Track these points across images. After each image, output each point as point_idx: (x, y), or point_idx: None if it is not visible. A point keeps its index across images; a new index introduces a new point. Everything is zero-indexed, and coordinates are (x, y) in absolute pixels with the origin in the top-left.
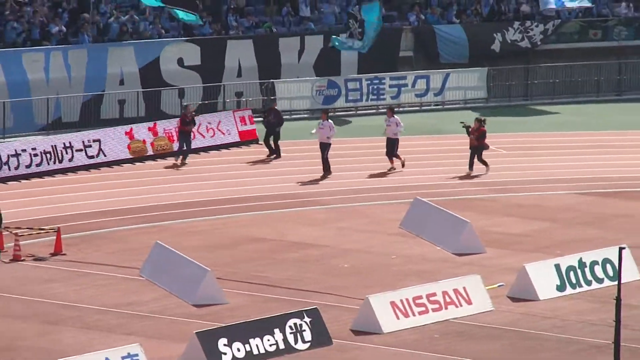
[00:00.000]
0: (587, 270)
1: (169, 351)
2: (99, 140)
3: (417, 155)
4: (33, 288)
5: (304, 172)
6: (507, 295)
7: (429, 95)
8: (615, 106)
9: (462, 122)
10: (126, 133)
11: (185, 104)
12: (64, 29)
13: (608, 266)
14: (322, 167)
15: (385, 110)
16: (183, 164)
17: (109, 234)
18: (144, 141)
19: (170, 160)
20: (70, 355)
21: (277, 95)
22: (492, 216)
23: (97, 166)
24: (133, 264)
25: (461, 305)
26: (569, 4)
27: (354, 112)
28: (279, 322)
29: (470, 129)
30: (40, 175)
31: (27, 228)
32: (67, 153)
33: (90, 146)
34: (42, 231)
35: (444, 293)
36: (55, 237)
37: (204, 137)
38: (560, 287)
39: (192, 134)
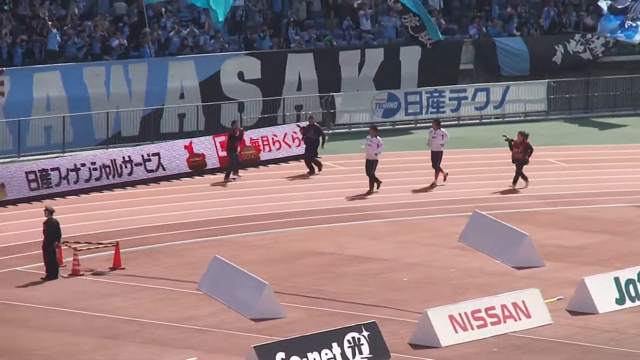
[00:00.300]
0: None
1: None
2: (158, 154)
3: (475, 168)
4: (92, 302)
5: (364, 185)
6: (566, 309)
7: (489, 108)
8: None
9: (504, 136)
10: (185, 147)
11: (232, 120)
12: (125, 42)
13: None
14: (368, 183)
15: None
16: (229, 180)
17: (168, 248)
18: (203, 155)
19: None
20: None
21: (337, 108)
22: (550, 229)
23: (156, 180)
24: (191, 278)
25: (520, 319)
26: (620, 37)
27: (413, 125)
28: (337, 336)
29: (513, 143)
30: (99, 189)
31: (86, 242)
32: (126, 167)
33: (149, 160)
34: (100, 246)
35: (503, 307)
36: (114, 252)
37: (270, 150)
38: (620, 301)
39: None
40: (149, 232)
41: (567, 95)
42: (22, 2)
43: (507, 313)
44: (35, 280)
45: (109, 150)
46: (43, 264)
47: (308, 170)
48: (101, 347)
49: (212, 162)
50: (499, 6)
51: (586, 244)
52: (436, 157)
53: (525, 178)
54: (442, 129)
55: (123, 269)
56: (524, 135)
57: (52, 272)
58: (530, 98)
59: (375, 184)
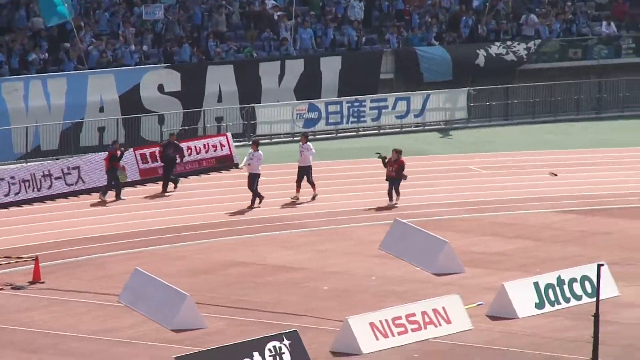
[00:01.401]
0: (565, 287)
1: None
2: (78, 168)
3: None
4: (11, 317)
5: (285, 195)
6: (486, 314)
7: (410, 116)
8: (595, 124)
9: (377, 153)
10: (105, 160)
11: (113, 140)
12: (46, 55)
13: (587, 283)
14: (251, 198)
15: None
16: (118, 199)
17: (88, 261)
18: (123, 167)
19: (150, 187)
20: None
21: (257, 119)
22: (471, 236)
23: (76, 194)
24: (112, 291)
25: (440, 325)
26: None
27: (334, 134)
28: (259, 345)
29: (387, 160)
30: (18, 203)
31: (5, 257)
32: (45, 181)
33: (69, 174)
34: (20, 260)
35: (423, 313)
36: (33, 265)
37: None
38: (539, 305)
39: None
40: (69, 245)
41: (487, 103)
42: None
43: (427, 319)
44: None
45: (28, 164)
46: None
47: (162, 189)
48: None
49: (132, 174)
50: (419, 16)
51: (506, 250)
52: (304, 172)
53: (398, 194)
54: (309, 144)
55: (43, 282)
56: (398, 153)
57: None
58: (450, 106)
59: (258, 199)
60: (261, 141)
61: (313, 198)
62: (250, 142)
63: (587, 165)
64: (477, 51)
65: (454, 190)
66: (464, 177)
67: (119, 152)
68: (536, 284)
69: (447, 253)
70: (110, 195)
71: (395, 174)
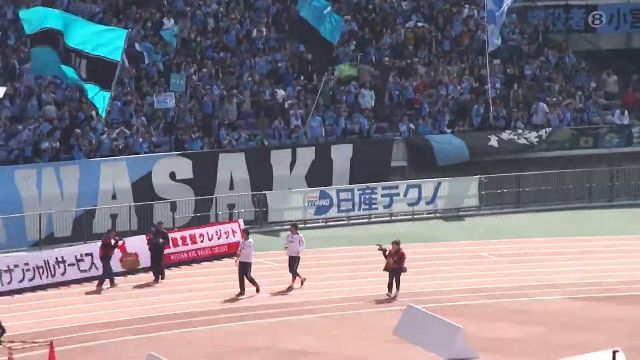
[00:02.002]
0: None
1: None
2: (91, 254)
3: (410, 262)
4: None
5: (298, 281)
6: None
7: (421, 203)
8: (608, 212)
9: (378, 245)
10: (118, 247)
11: (109, 229)
12: (57, 144)
13: None
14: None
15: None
16: (101, 289)
17: (103, 346)
18: (136, 254)
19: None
20: None
21: (269, 206)
22: (484, 322)
23: (89, 279)
24: None
25: None
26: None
27: (346, 221)
28: None
29: (387, 252)
30: (33, 289)
31: (20, 342)
32: (59, 267)
33: (82, 260)
34: (35, 344)
35: None
36: (48, 350)
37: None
38: None
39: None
40: (83, 330)
41: (499, 191)
42: None
43: None
44: None
45: (42, 251)
46: None
47: (154, 278)
48: None
49: (145, 261)
50: (429, 105)
51: (520, 336)
52: (293, 262)
53: (398, 286)
54: (299, 234)
55: None
56: (397, 244)
57: None
58: (461, 193)
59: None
60: (274, 228)
61: (288, 289)
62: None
63: (599, 252)
64: (489, 136)
65: (465, 277)
66: (476, 264)
67: (113, 241)
68: None
69: (461, 339)
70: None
71: (397, 265)
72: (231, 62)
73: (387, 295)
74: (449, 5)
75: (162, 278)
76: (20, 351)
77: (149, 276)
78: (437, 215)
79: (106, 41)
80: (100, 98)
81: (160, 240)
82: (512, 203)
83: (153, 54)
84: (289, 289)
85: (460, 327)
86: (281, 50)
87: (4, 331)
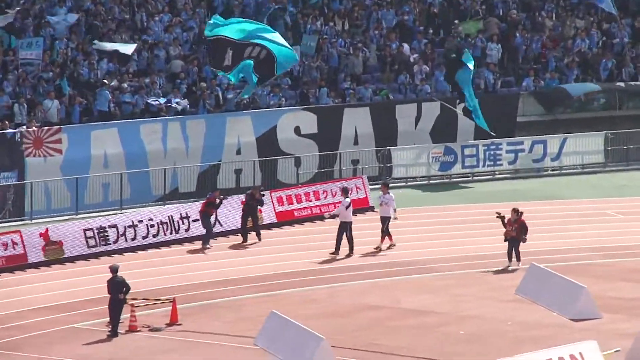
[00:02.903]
0: None
1: None
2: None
3: (534, 220)
4: (149, 358)
5: (420, 239)
6: None
7: (547, 160)
8: None
9: (497, 213)
10: (242, 202)
11: (212, 190)
12: (182, 100)
13: None
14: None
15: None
16: (205, 248)
17: (226, 303)
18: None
19: (288, 229)
20: None
21: (393, 162)
22: (607, 281)
23: (214, 235)
24: (248, 333)
25: None
26: None
27: (470, 177)
28: None
29: (507, 220)
30: (156, 246)
31: (143, 299)
32: (183, 223)
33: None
34: (158, 302)
35: (560, 359)
36: (171, 308)
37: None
38: None
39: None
40: (205, 287)
41: (625, 147)
42: (80, 62)
43: None
44: (94, 338)
45: (166, 207)
46: (108, 320)
47: (242, 240)
48: None
49: (268, 217)
50: (555, 59)
51: None
52: (384, 222)
53: (518, 258)
54: (390, 193)
55: (180, 324)
56: (516, 212)
57: (116, 330)
58: (587, 150)
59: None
60: (397, 184)
61: (389, 247)
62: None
63: None
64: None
65: (590, 236)
66: (601, 222)
67: (217, 200)
68: None
69: (585, 298)
70: (251, 237)
71: (516, 234)
72: (358, 15)
73: (507, 266)
74: None
75: (259, 240)
76: (143, 308)
77: (272, 232)
78: (563, 172)
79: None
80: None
81: (254, 202)
82: (639, 159)
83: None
84: (377, 249)
85: (584, 286)
86: (409, 3)
87: (128, 289)
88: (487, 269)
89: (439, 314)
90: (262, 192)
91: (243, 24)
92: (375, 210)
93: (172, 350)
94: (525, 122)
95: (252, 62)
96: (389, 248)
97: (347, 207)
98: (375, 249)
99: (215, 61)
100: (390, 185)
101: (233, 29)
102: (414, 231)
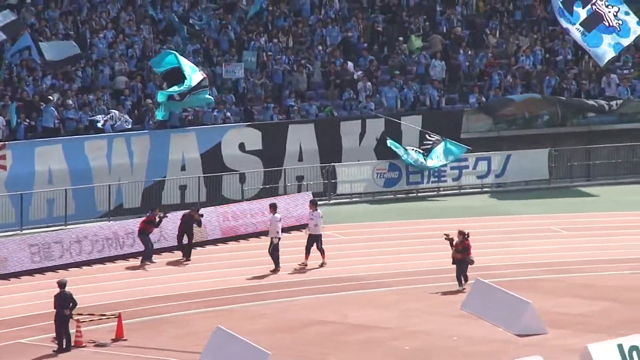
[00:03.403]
0: None
1: None
2: (160, 226)
3: (479, 236)
4: None
5: (367, 254)
6: None
7: (491, 176)
8: None
9: (445, 234)
10: (141, 222)
11: (153, 207)
12: (126, 116)
13: None
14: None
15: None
16: (145, 265)
17: (172, 318)
18: (204, 226)
19: (233, 244)
20: None
21: (338, 178)
22: (553, 297)
23: (159, 251)
24: (195, 349)
25: None
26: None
27: (414, 194)
28: None
29: (454, 242)
30: (102, 261)
31: (89, 314)
32: (128, 239)
33: (151, 232)
34: (103, 317)
35: None
36: (116, 323)
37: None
38: None
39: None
40: (151, 303)
41: (569, 164)
42: (25, 79)
43: None
44: (41, 353)
45: (111, 222)
46: (54, 335)
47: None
48: None
49: (214, 233)
50: (498, 76)
51: (589, 311)
52: (316, 240)
53: (465, 279)
54: (318, 210)
55: (125, 340)
56: (463, 235)
57: (66, 344)
58: (531, 166)
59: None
60: (341, 200)
61: (321, 265)
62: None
63: None
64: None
65: (535, 251)
66: (546, 238)
67: (157, 218)
68: (620, 346)
69: (530, 314)
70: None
71: (461, 255)
72: (302, 31)
73: (458, 289)
74: None
75: (188, 259)
76: (89, 324)
77: (217, 248)
78: (507, 188)
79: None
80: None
81: (193, 223)
82: (582, 176)
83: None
84: (303, 265)
85: (529, 301)
86: (352, 20)
87: (75, 304)
88: (433, 284)
89: (386, 329)
90: (200, 213)
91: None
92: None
93: None
94: (470, 139)
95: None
96: (320, 266)
97: (278, 222)
98: (299, 265)
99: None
100: (334, 201)
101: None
102: (360, 247)
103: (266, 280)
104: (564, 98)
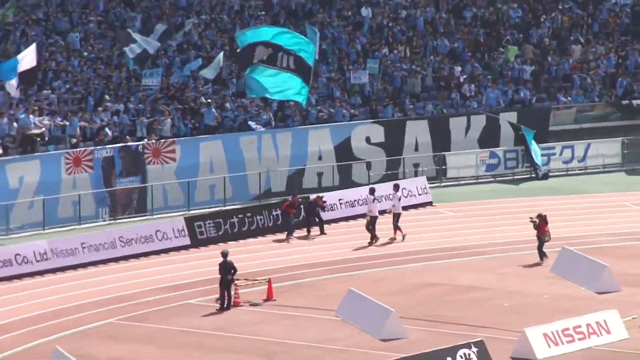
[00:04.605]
0: None
1: None
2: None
3: (565, 211)
4: (249, 328)
5: (469, 227)
6: (639, 326)
7: (574, 162)
8: None
9: (530, 217)
10: (284, 206)
11: (295, 192)
12: (271, 116)
13: None
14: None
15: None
16: (289, 239)
17: (311, 282)
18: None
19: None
20: None
21: (447, 165)
22: (627, 261)
23: (294, 229)
24: (331, 307)
25: (602, 335)
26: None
27: (511, 177)
28: (451, 352)
29: (539, 224)
30: (254, 235)
31: (244, 279)
32: (275, 218)
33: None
34: (256, 281)
35: (588, 325)
36: (267, 286)
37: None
38: None
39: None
40: (295, 270)
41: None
42: (189, 86)
43: (591, 330)
44: (206, 312)
45: (262, 203)
46: (217, 297)
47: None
48: None
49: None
50: (580, 79)
51: None
52: (397, 218)
53: (540, 256)
54: (399, 193)
55: (274, 300)
56: (540, 218)
57: (227, 304)
58: (607, 153)
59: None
60: (450, 183)
61: (403, 238)
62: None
63: None
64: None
65: (611, 223)
66: (620, 212)
67: (297, 203)
68: None
69: (607, 275)
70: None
71: (537, 234)
72: (417, 43)
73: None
74: None
75: (322, 233)
76: (244, 287)
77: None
78: (587, 171)
79: (299, 47)
80: (302, 93)
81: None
82: None
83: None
84: (391, 239)
85: (606, 264)
86: (459, 34)
87: (235, 270)
88: (524, 252)
89: (488, 289)
90: (323, 200)
91: (265, 29)
92: (433, 204)
93: (268, 321)
94: (556, 131)
95: (290, 74)
96: (402, 239)
97: (372, 202)
98: (389, 239)
99: (244, 62)
100: (445, 184)
101: (257, 35)
102: (465, 221)
103: (384, 250)
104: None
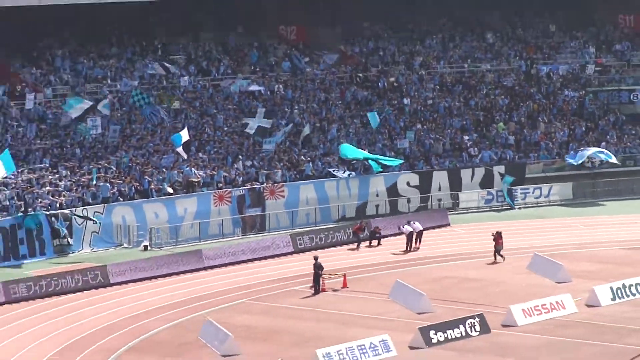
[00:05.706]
0: None
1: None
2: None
3: (535, 230)
4: (333, 306)
5: (474, 240)
6: (585, 304)
7: (542, 197)
8: None
9: (492, 233)
10: (354, 228)
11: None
12: (345, 169)
13: None
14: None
15: None
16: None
17: (370, 276)
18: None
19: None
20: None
21: (459, 199)
22: (577, 262)
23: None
24: (384, 292)
25: (560, 310)
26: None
27: (500, 208)
28: (462, 321)
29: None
30: (335, 245)
31: (328, 273)
32: (347, 232)
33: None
34: (336, 275)
35: (551, 303)
36: (342, 278)
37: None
38: (613, 298)
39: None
40: (360, 268)
41: None
42: (293, 150)
43: (553, 306)
44: (304, 295)
45: (340, 224)
46: (311, 285)
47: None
48: (336, 329)
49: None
50: (545, 144)
51: (597, 269)
52: (420, 235)
53: (496, 257)
54: (416, 224)
55: (348, 288)
56: (496, 234)
57: (317, 289)
58: (564, 192)
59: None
60: (462, 212)
61: (417, 249)
62: None
63: None
64: None
65: (567, 237)
66: (573, 230)
67: (363, 225)
68: (611, 287)
69: (563, 271)
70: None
71: (495, 244)
72: (439, 121)
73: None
74: None
75: (379, 244)
76: (328, 278)
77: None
78: (550, 203)
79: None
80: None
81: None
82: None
83: None
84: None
85: (562, 264)
86: (467, 115)
87: (322, 268)
88: (508, 256)
89: (483, 280)
90: (380, 229)
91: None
92: (450, 225)
93: (345, 301)
94: (530, 178)
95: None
96: (417, 250)
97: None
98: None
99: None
100: (458, 212)
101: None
102: (471, 237)
103: (415, 255)
104: None
